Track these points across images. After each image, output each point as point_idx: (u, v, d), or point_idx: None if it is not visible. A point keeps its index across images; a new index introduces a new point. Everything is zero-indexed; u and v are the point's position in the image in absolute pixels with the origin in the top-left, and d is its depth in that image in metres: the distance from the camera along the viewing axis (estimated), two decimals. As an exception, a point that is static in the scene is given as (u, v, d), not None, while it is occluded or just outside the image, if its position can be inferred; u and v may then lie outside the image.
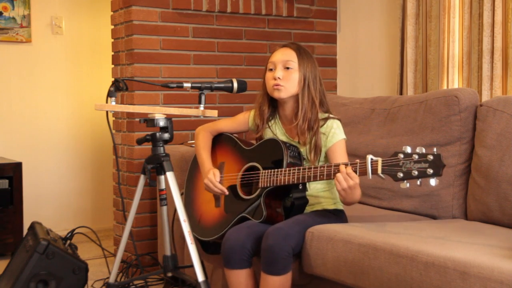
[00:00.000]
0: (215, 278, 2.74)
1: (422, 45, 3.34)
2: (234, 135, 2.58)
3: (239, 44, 3.69)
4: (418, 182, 1.90)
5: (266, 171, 2.29)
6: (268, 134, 2.48)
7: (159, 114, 2.43)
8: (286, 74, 2.38)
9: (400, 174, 1.92)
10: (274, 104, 2.49)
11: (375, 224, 2.33)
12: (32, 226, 2.89)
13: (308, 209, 2.39)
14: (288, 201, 2.32)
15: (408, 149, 1.92)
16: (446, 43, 3.22)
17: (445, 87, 3.22)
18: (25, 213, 3.85)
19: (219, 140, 2.59)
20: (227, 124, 2.61)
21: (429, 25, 3.29)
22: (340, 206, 2.45)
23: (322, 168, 2.15)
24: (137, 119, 3.25)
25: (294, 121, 2.40)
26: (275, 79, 2.38)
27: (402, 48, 3.45)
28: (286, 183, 2.23)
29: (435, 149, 1.89)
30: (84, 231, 3.12)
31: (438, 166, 1.86)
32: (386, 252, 1.97)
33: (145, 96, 3.39)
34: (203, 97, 2.39)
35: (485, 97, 2.99)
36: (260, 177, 2.31)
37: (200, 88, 2.40)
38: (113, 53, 3.58)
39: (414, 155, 1.90)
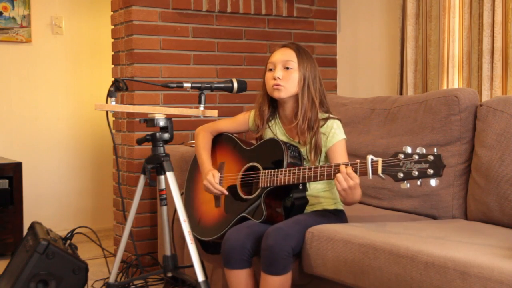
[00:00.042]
0: (215, 278, 2.74)
1: (422, 45, 3.34)
2: (234, 135, 2.58)
3: (239, 44, 3.69)
4: (419, 183, 1.90)
5: (266, 171, 2.29)
6: (268, 134, 2.48)
7: (159, 114, 2.43)
8: (285, 74, 2.38)
9: (401, 175, 1.92)
10: (274, 104, 2.49)
11: (375, 224, 2.33)
12: (32, 226, 2.89)
13: (308, 209, 2.39)
14: (288, 201, 2.32)
15: (409, 150, 1.92)
16: (446, 43, 3.22)
17: (445, 87, 3.22)
18: (25, 213, 3.85)
19: (219, 140, 2.59)
20: (227, 124, 2.61)
21: (429, 25, 3.29)
22: (340, 206, 2.45)
23: (322, 168, 2.15)
24: (137, 119, 3.25)
25: (294, 121, 2.40)
26: (274, 79, 2.38)
27: (402, 48, 3.45)
28: (286, 183, 2.23)
29: (435, 150, 1.89)
30: (84, 231, 3.12)
31: (438, 167, 1.86)
32: (386, 252, 1.97)
33: (145, 96, 3.39)
34: (203, 97, 2.39)
35: (485, 97, 2.99)
36: (260, 177, 2.31)
37: (200, 88, 2.40)
38: (113, 53, 3.58)
39: (414, 156, 1.90)
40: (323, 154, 2.38)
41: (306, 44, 3.84)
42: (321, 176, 2.16)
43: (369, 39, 3.83)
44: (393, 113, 2.89)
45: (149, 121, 2.43)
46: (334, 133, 2.36)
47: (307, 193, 2.36)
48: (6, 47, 4.25)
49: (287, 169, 2.23)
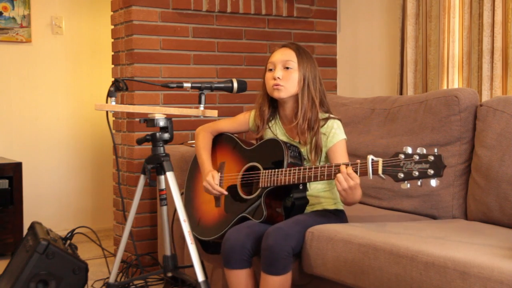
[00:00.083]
0: (215, 278, 2.74)
1: (422, 45, 3.34)
2: (235, 135, 2.58)
3: (239, 44, 3.69)
4: (419, 183, 1.91)
5: (267, 171, 2.29)
6: (268, 135, 2.48)
7: (159, 114, 2.43)
8: (285, 74, 2.38)
9: (401, 175, 1.92)
10: (274, 105, 2.49)
11: (375, 224, 2.33)
12: (32, 226, 2.89)
13: (308, 209, 2.39)
14: (289, 201, 2.32)
15: (409, 150, 1.92)
16: (446, 43, 3.22)
17: (445, 87, 3.22)
18: (25, 213, 3.85)
19: (220, 140, 2.59)
20: (228, 124, 2.61)
21: (429, 25, 3.29)
22: (341, 206, 2.45)
23: (322, 168, 2.15)
24: (137, 119, 3.25)
25: (294, 121, 2.40)
26: (274, 79, 2.38)
27: (402, 48, 3.45)
28: (287, 183, 2.23)
29: (436, 150, 1.89)
30: (84, 231, 3.12)
31: (439, 167, 1.86)
32: (386, 252, 1.97)
33: (145, 96, 3.39)
34: (203, 97, 2.39)
35: (485, 97, 2.99)
36: (261, 177, 2.31)
37: (200, 88, 2.40)
38: (113, 53, 3.58)
39: (415, 156, 1.90)
40: (323, 154, 2.38)
41: (306, 44, 3.84)
42: (322, 176, 2.16)
43: (369, 39, 3.83)
44: (393, 113, 2.89)
45: (149, 121, 2.43)
46: (335, 133, 2.36)
47: (308, 193, 2.36)
48: (6, 47, 4.25)
49: (288, 169, 2.23)
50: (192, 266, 2.32)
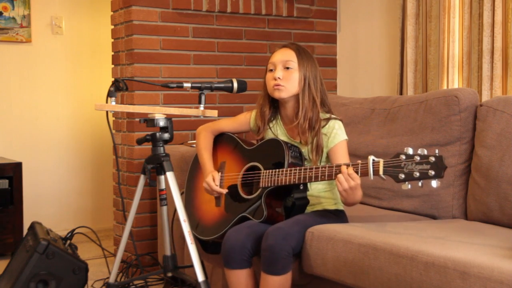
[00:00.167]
0: (215, 278, 2.74)
1: (422, 45, 3.34)
2: (236, 135, 2.58)
3: (239, 44, 3.69)
4: (420, 184, 1.91)
5: (267, 171, 2.29)
6: (269, 135, 2.48)
7: (159, 114, 2.43)
8: (286, 74, 2.38)
9: (402, 176, 1.92)
10: (275, 105, 2.49)
11: (375, 224, 2.33)
12: (32, 226, 2.89)
13: (308, 209, 2.39)
14: (289, 201, 2.32)
15: (410, 151, 1.92)
16: (446, 43, 3.22)
17: (445, 87, 3.22)
18: (25, 213, 3.85)
19: (221, 140, 2.59)
20: (228, 124, 2.61)
21: (429, 25, 3.29)
22: (341, 206, 2.45)
23: (323, 169, 2.15)
24: (137, 119, 3.25)
25: (295, 121, 2.40)
26: (275, 79, 2.38)
27: (402, 48, 3.45)
28: (287, 183, 2.23)
29: (437, 151, 1.89)
30: (84, 231, 3.12)
31: (439, 168, 1.86)
32: (386, 252, 1.97)
33: (145, 96, 3.39)
34: (203, 97, 2.39)
35: (485, 97, 2.99)
36: (261, 177, 2.31)
37: (200, 88, 2.40)
38: (113, 53, 3.58)
39: (415, 157, 1.90)
40: (324, 155, 2.38)
41: (306, 44, 3.84)
42: (322, 177, 2.16)
43: (369, 39, 3.83)
44: (393, 113, 2.89)
45: (149, 121, 2.43)
46: (336, 134, 2.36)
47: (308, 193, 2.36)
48: (6, 47, 4.25)
49: (288, 169, 2.23)
50: (192, 266, 2.33)
